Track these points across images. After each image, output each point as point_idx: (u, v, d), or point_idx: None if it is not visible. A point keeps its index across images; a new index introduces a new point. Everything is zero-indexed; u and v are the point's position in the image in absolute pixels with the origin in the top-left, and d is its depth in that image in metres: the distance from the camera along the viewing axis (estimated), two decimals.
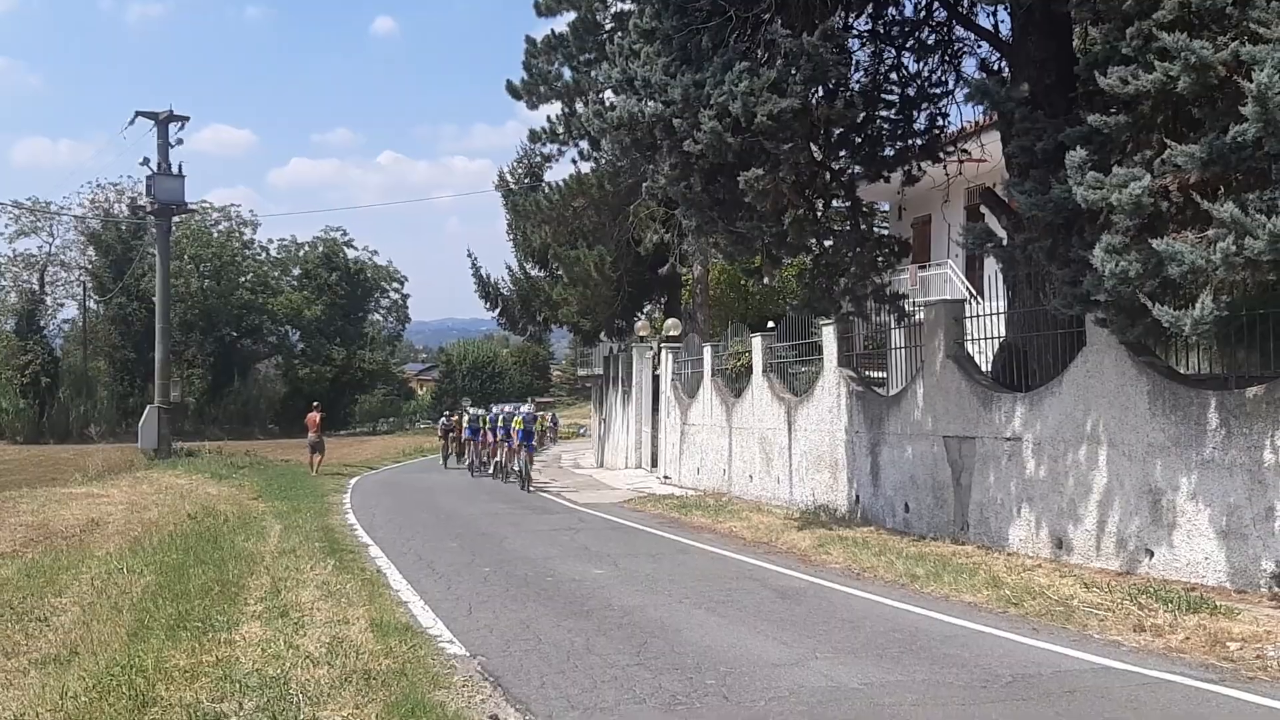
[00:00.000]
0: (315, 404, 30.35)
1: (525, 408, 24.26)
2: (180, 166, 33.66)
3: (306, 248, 67.54)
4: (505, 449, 24.69)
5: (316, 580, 10.24)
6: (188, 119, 33.69)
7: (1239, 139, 7.74)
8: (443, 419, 35.09)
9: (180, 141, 33.66)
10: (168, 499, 20.37)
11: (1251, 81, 7.50)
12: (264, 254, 66.39)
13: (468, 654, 7.36)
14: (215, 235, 62.14)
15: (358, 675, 6.58)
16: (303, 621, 8.31)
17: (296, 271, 67.49)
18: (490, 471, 26.50)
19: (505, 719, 5.84)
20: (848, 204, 13.75)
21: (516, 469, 23.51)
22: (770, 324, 20.91)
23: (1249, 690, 6.31)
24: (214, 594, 9.52)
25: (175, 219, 38.32)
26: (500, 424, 24.93)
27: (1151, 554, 9.93)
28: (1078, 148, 9.08)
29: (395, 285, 72.55)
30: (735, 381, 20.46)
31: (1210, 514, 9.33)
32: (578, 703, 6.10)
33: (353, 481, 25.57)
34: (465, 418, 29.83)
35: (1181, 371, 10.67)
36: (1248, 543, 9.02)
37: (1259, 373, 9.50)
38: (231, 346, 62.30)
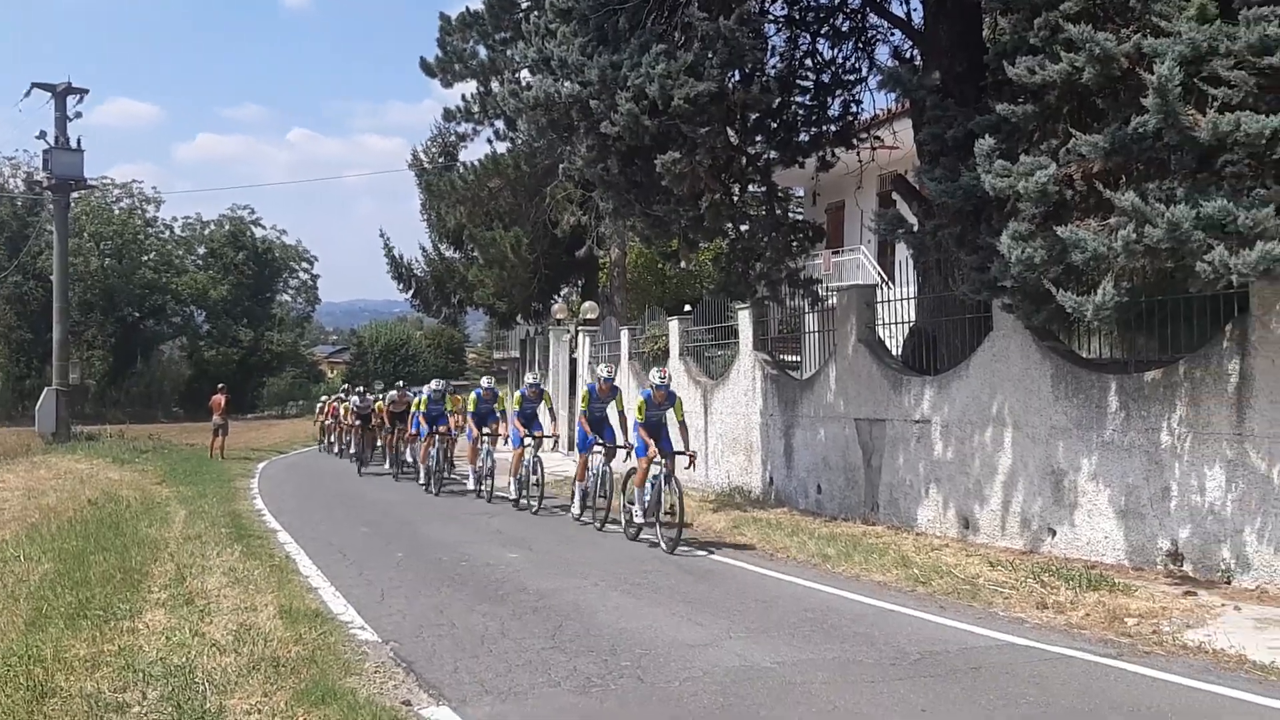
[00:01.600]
0: (220, 386, 29.62)
1: (655, 376, 12.42)
2: (79, 141, 32.54)
3: (212, 226, 65.64)
4: (519, 455, 15.21)
5: (223, 566, 10.00)
6: (86, 91, 32.53)
7: (1140, 130, 7.95)
8: (355, 398, 25.57)
9: (79, 114, 32.61)
10: (67, 484, 19.69)
11: (1152, 74, 7.71)
12: (168, 232, 64.45)
13: (380, 640, 7.25)
14: (116, 212, 60.07)
15: (266, 663, 6.44)
16: (209, 609, 8.11)
17: (202, 250, 65.59)
18: (474, 485, 17.07)
19: (418, 705, 5.77)
20: (763, 189, 13.87)
21: (631, 508, 12.16)
22: (687, 307, 21.02)
23: (1145, 664, 6.53)
24: (116, 582, 9.23)
25: (74, 195, 37.03)
26: (515, 409, 15.91)
27: (1054, 533, 10.22)
28: (986, 136, 9.25)
29: (305, 265, 71.09)
30: (652, 365, 20.51)
31: (1110, 494, 9.64)
32: (492, 687, 6.05)
33: (260, 466, 25.04)
34: (421, 398, 19.63)
35: (1083, 355, 10.99)
36: (1145, 522, 9.33)
37: (1157, 357, 9.83)
38: (134, 327, 60.39)
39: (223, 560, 10.37)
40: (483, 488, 16.67)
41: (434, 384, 19.63)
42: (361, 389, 26.35)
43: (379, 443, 23.78)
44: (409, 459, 20.44)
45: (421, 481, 18.81)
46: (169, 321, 63.20)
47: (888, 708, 5.71)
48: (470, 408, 16.92)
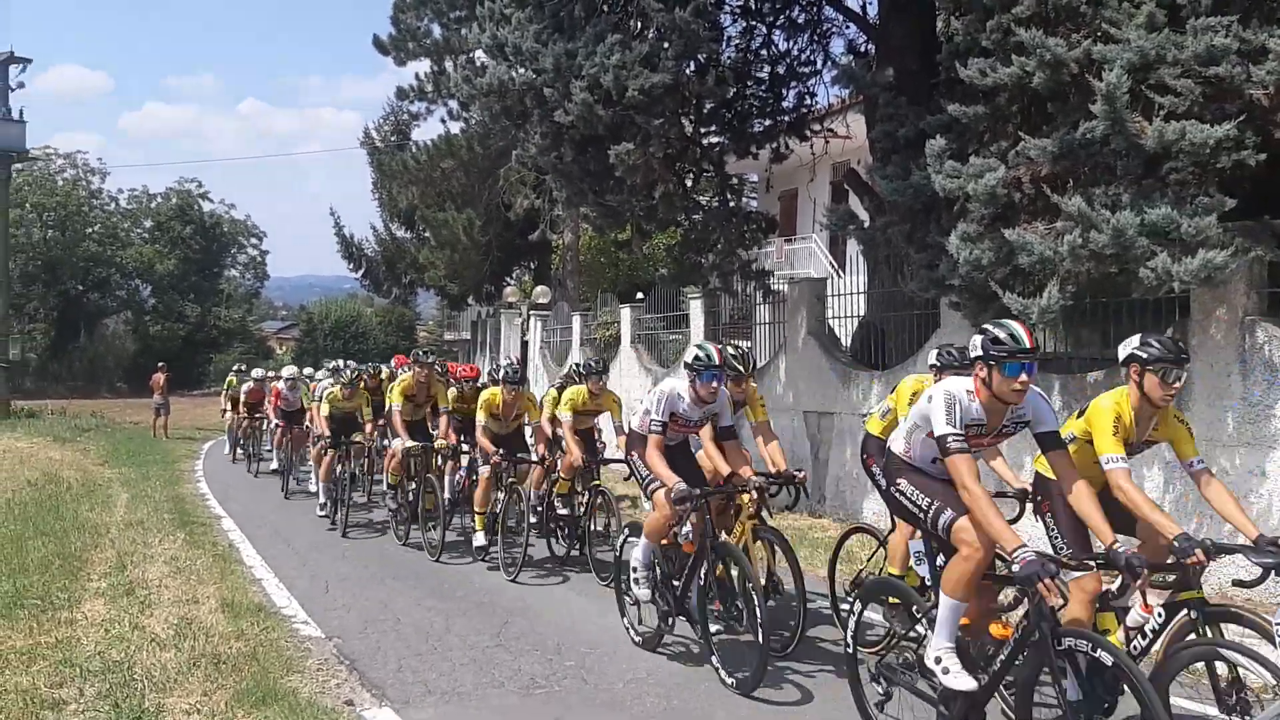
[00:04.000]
0: (161, 364, 29.00)
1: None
2: (21, 111, 31.80)
3: (159, 199, 64.45)
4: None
5: (165, 555, 9.89)
6: (29, 61, 31.79)
7: (1088, 135, 8.06)
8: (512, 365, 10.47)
9: (21, 85, 31.80)
10: (5, 464, 19.31)
11: (1101, 80, 7.81)
12: (113, 204, 63.16)
13: (323, 636, 7.20)
14: (60, 183, 58.75)
15: (207, 659, 6.38)
16: (149, 600, 8.02)
17: (148, 224, 64.35)
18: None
19: (360, 705, 5.74)
20: (717, 179, 13.88)
21: None
22: (640, 294, 21.02)
23: None
24: (54, 569, 9.10)
25: (16, 166, 36.21)
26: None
27: None
28: (938, 136, 9.33)
29: (254, 241, 70.09)
30: (604, 351, 20.49)
31: None
32: (435, 687, 6.04)
33: (206, 446, 24.65)
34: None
35: None
36: None
37: (1099, 354, 9.98)
38: (77, 301, 59.18)
39: (165, 548, 10.25)
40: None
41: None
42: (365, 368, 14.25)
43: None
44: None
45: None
46: (113, 295, 61.99)
47: (820, 713, 5.76)
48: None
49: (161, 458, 20.93)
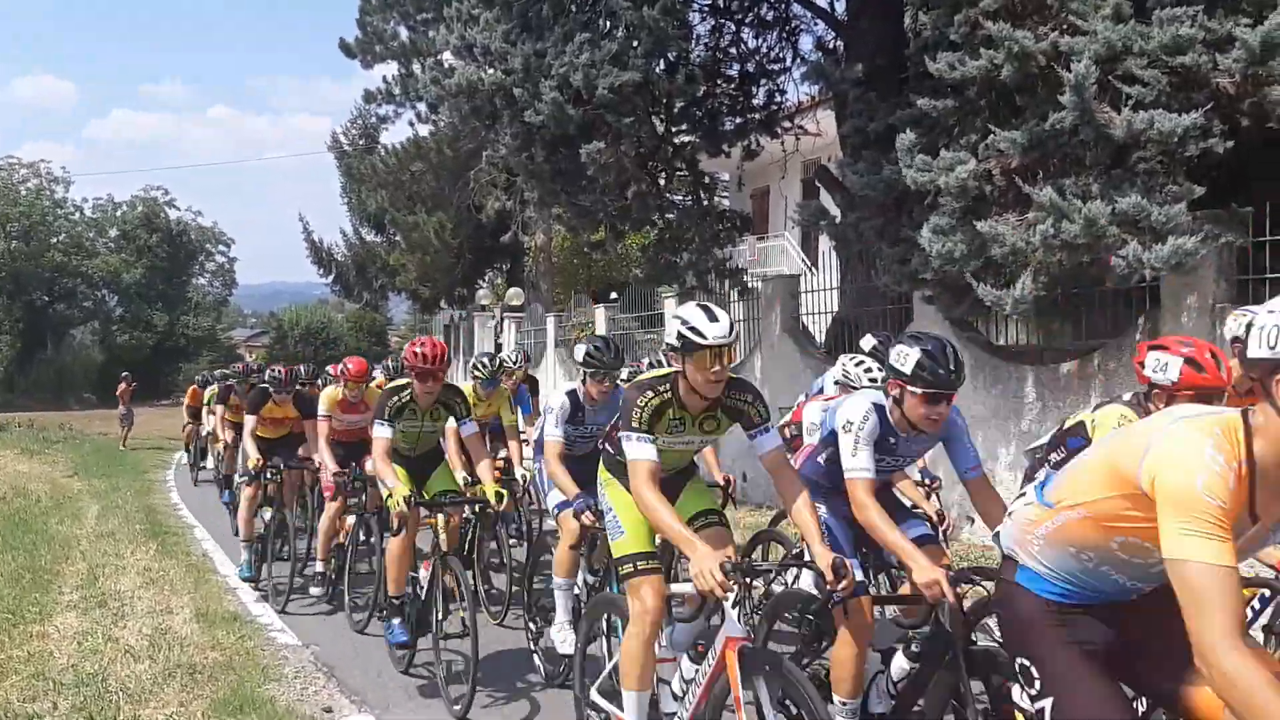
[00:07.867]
0: (125, 374, 28.60)
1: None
2: None
3: (125, 208, 63.79)
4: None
5: (138, 566, 9.77)
6: None
7: (1057, 126, 8.09)
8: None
9: None
10: None
11: (1069, 71, 7.85)
12: (78, 214, 62.44)
13: (300, 643, 7.12)
14: (24, 193, 58.05)
15: (182, 670, 6.30)
16: (123, 612, 7.92)
17: (114, 233, 63.67)
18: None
19: (339, 712, 5.68)
20: (690, 177, 13.86)
21: None
22: (614, 294, 21.00)
23: None
24: (25, 582, 8.98)
25: None
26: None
27: (972, 521, 10.39)
28: (908, 130, 9.35)
29: (221, 249, 69.53)
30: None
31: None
32: (415, 692, 5.98)
33: (177, 455, 24.40)
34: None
35: (1001, 343, 11.18)
36: None
37: (1072, 345, 10.05)
38: (43, 311, 58.53)
39: (137, 559, 10.12)
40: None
41: None
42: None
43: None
44: None
45: None
46: (80, 306, 61.33)
47: None
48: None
49: (131, 468, 20.71)
